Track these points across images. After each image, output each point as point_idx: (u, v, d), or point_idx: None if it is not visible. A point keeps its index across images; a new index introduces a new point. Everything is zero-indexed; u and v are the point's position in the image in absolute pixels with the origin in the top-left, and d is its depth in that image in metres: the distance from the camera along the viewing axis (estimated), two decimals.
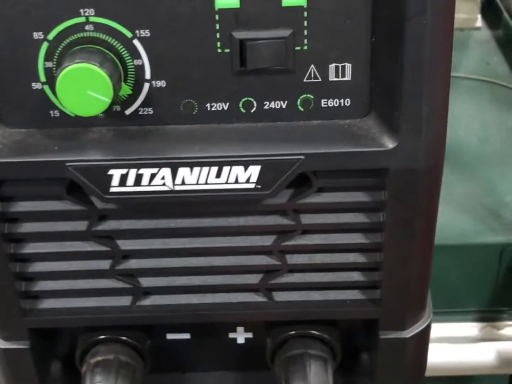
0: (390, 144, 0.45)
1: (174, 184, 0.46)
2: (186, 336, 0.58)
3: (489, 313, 0.81)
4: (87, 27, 0.43)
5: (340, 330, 0.56)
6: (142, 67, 0.44)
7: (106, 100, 0.42)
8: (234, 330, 0.58)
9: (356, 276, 0.52)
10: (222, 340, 0.59)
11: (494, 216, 0.79)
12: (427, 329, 0.55)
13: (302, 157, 0.45)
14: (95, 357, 0.54)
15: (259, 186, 0.46)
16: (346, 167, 0.46)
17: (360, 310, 0.53)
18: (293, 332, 0.55)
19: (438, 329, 0.79)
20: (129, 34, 0.43)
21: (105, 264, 0.51)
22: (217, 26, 0.43)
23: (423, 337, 0.56)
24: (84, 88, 0.41)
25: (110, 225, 0.49)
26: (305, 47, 0.44)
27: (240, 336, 0.59)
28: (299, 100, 0.46)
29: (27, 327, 0.53)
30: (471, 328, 0.81)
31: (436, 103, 0.44)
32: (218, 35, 0.44)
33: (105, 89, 0.41)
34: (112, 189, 0.46)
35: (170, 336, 0.58)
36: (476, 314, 0.81)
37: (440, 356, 0.79)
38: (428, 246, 0.51)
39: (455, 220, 0.78)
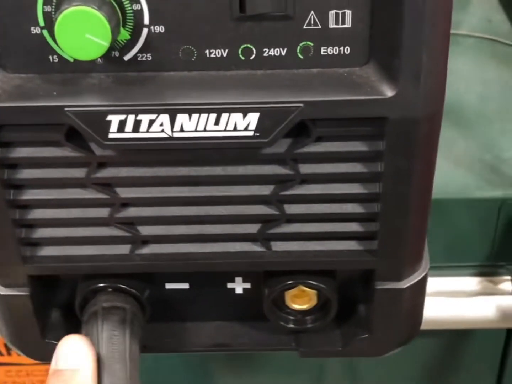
0: (389, 92, 0.45)
1: (172, 131, 0.46)
2: (185, 286, 0.59)
3: (487, 268, 0.81)
4: None
5: (336, 281, 0.56)
6: (141, 11, 0.44)
7: (105, 44, 0.42)
8: (233, 280, 0.59)
9: (353, 226, 0.52)
10: (220, 290, 0.59)
11: (493, 171, 0.79)
12: (423, 280, 0.56)
13: (301, 105, 0.45)
14: (101, 304, 0.55)
15: (257, 134, 0.46)
16: (345, 115, 0.46)
17: (357, 261, 0.53)
18: (290, 282, 0.56)
19: (436, 283, 0.80)
20: None
21: (104, 212, 0.51)
22: None
23: (420, 288, 0.56)
24: (82, 31, 0.41)
25: (109, 172, 0.49)
26: None
27: (239, 286, 0.59)
28: (298, 48, 0.45)
29: (27, 274, 0.53)
30: (469, 282, 0.81)
31: (436, 51, 0.44)
32: None
33: (103, 33, 0.41)
34: (111, 135, 0.46)
35: (169, 286, 0.59)
36: (474, 269, 0.81)
37: (437, 309, 0.80)
38: (426, 197, 0.51)
39: (454, 175, 0.78)
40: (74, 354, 0.49)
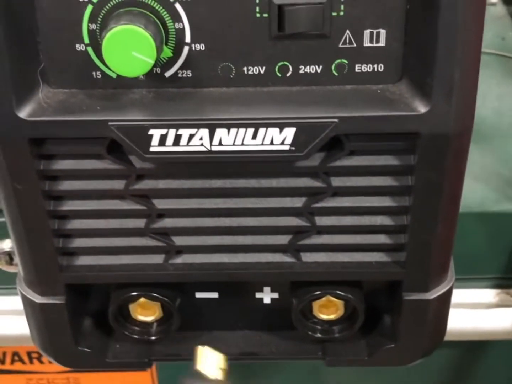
0: (422, 108, 0.46)
1: (211, 145, 0.47)
2: (214, 295, 0.60)
3: (504, 280, 0.82)
4: None
5: (363, 291, 0.58)
6: (182, 30, 0.46)
7: (150, 61, 0.43)
8: (261, 290, 0.60)
9: (382, 238, 0.54)
10: (248, 299, 0.60)
11: (510, 186, 0.80)
12: (449, 292, 0.57)
13: (336, 120, 0.47)
14: None
15: (293, 148, 0.48)
16: (378, 130, 0.47)
17: (385, 272, 0.54)
18: (318, 292, 0.57)
19: (454, 295, 0.81)
20: None
21: (140, 223, 0.53)
22: None
23: (445, 300, 0.57)
24: (129, 49, 0.43)
25: (147, 184, 0.51)
26: (341, 13, 0.45)
27: (267, 296, 0.60)
28: (333, 65, 0.47)
29: (64, 283, 0.55)
30: (486, 295, 0.82)
31: (468, 69, 0.46)
32: (257, 0, 0.45)
33: (149, 51, 0.43)
34: (152, 149, 0.47)
35: (199, 295, 0.60)
36: (491, 281, 0.83)
37: (455, 321, 0.81)
38: (453, 210, 0.52)
39: (472, 189, 0.79)
40: None
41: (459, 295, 0.82)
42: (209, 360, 0.56)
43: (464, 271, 0.83)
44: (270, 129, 0.47)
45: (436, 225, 0.52)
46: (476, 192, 0.80)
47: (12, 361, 0.92)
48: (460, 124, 0.47)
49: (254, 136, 0.47)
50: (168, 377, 0.92)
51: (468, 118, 0.47)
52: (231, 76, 0.47)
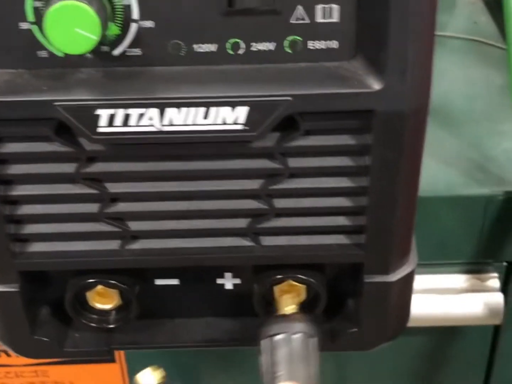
0: (376, 85, 0.45)
1: (161, 125, 0.46)
2: (175, 281, 0.59)
3: (475, 265, 0.82)
4: None
5: (325, 275, 0.57)
6: (130, 6, 0.44)
7: (94, 37, 0.42)
8: (222, 276, 0.59)
9: (341, 220, 0.53)
10: (210, 286, 0.59)
11: (480, 170, 0.79)
12: (411, 274, 0.56)
13: (289, 98, 0.46)
14: None
15: (246, 127, 0.47)
16: (333, 108, 0.46)
17: (346, 254, 0.54)
18: (279, 277, 0.56)
19: (424, 280, 0.80)
20: None
21: (93, 207, 0.51)
22: None
23: (407, 282, 0.57)
24: (72, 26, 0.41)
25: (98, 167, 0.50)
26: None
27: (228, 281, 0.59)
28: (286, 42, 0.46)
29: (17, 270, 0.53)
30: (457, 280, 0.82)
31: (422, 46, 0.45)
32: None
33: (92, 27, 0.42)
34: (100, 129, 0.46)
35: (159, 282, 0.59)
36: (461, 266, 0.82)
37: (426, 307, 0.81)
38: (413, 190, 0.52)
39: (442, 174, 0.79)
40: None
41: (429, 281, 0.82)
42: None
43: (434, 256, 0.82)
44: (222, 108, 0.46)
45: (395, 206, 0.51)
46: (445, 176, 0.79)
47: None
48: (415, 101, 0.46)
49: (205, 116, 0.46)
50: (138, 368, 0.91)
51: (423, 95, 0.47)
52: (182, 54, 0.46)
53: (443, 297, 0.82)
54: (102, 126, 0.46)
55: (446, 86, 0.93)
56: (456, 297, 0.82)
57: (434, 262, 0.82)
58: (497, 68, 0.98)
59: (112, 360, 0.89)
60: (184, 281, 0.59)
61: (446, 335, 0.88)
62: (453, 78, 0.97)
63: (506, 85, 0.90)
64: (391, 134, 0.47)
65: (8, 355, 0.91)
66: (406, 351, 0.89)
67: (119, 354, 0.88)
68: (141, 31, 0.45)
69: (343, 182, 0.51)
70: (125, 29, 0.45)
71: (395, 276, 0.55)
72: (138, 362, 0.90)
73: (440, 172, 0.79)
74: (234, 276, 0.59)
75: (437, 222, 0.79)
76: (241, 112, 0.46)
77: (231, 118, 0.46)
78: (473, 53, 1.03)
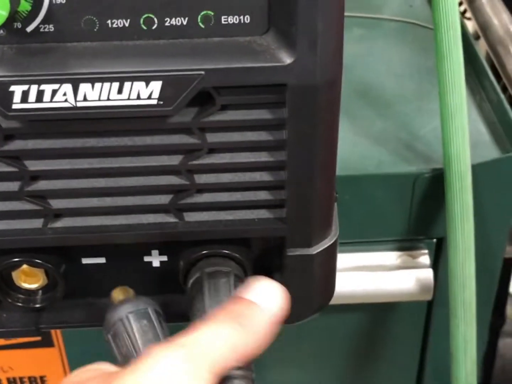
0: (287, 59, 0.46)
1: (76, 100, 0.46)
2: (102, 260, 0.59)
3: (405, 242, 0.84)
4: None
5: (251, 250, 0.58)
6: None
7: (3, 13, 0.42)
8: (149, 254, 0.60)
9: (262, 195, 0.53)
10: (137, 264, 0.60)
11: (408, 148, 0.81)
12: (333, 246, 0.57)
13: (202, 72, 0.46)
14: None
15: (161, 102, 0.47)
16: (246, 82, 0.47)
17: (268, 228, 0.54)
18: (204, 252, 0.57)
19: (355, 258, 0.82)
20: None
21: (13, 186, 0.51)
22: None
23: (330, 254, 0.58)
24: None
25: (16, 145, 0.50)
26: None
27: (155, 259, 0.60)
28: (199, 17, 0.47)
29: None
30: (388, 257, 0.84)
31: (331, 19, 0.46)
32: None
33: (2, 2, 0.42)
34: (15, 106, 0.46)
35: (85, 261, 0.59)
36: (392, 244, 0.84)
37: (359, 284, 0.82)
38: (330, 163, 0.53)
39: (371, 152, 0.80)
40: (267, 295, 0.47)
41: (361, 258, 0.84)
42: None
43: (365, 234, 0.84)
44: (136, 83, 0.46)
45: (313, 179, 0.52)
46: (375, 155, 0.81)
47: None
48: (327, 75, 0.47)
49: (119, 91, 0.46)
50: (77, 352, 0.91)
51: (334, 69, 0.48)
52: (95, 29, 0.46)
53: (375, 274, 0.83)
54: (17, 103, 0.46)
55: (378, 67, 0.95)
56: (388, 274, 0.84)
57: (365, 240, 0.83)
58: (430, 50, 1.00)
59: (50, 344, 0.89)
60: (111, 260, 0.60)
61: (380, 312, 0.90)
62: (386, 59, 0.99)
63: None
64: (305, 107, 0.48)
65: None
66: (341, 329, 0.91)
67: (57, 338, 0.88)
68: (53, 7, 0.45)
69: (262, 157, 0.51)
70: (37, 5, 0.45)
71: (317, 248, 0.56)
72: (76, 346, 0.90)
73: (369, 151, 0.81)
74: (161, 254, 0.60)
75: (367, 200, 0.81)
76: (155, 87, 0.46)
77: (145, 93, 0.47)
78: (407, 35, 1.05)
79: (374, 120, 0.85)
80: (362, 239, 0.83)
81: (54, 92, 0.46)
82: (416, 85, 0.92)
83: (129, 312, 0.53)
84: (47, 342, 0.88)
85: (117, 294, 0.55)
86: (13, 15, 0.43)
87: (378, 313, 0.91)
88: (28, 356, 0.91)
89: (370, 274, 0.83)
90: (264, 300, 0.47)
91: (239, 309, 0.46)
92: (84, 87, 0.46)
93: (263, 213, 0.54)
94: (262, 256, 0.59)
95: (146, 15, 0.46)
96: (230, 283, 0.55)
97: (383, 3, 1.12)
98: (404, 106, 0.88)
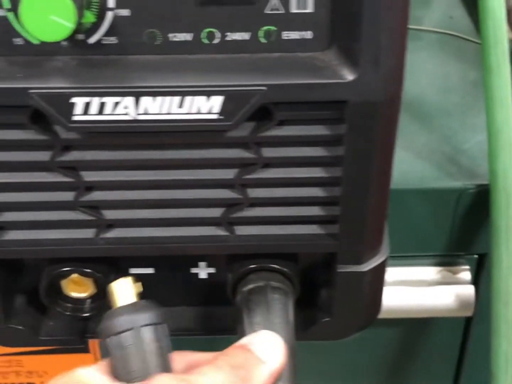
0: (349, 76, 0.46)
1: (136, 113, 0.46)
2: (149, 270, 0.60)
3: (446, 258, 0.83)
4: None
5: (299, 265, 0.57)
6: None
7: (69, 25, 0.42)
8: (196, 265, 0.60)
9: (315, 210, 0.53)
10: (184, 275, 0.60)
11: (452, 163, 0.80)
12: (383, 264, 0.57)
13: (263, 88, 0.46)
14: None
15: (221, 117, 0.47)
16: (306, 98, 0.47)
17: (319, 244, 0.54)
18: (253, 266, 0.56)
19: (396, 273, 0.81)
20: None
21: (68, 196, 0.52)
22: None
23: (379, 272, 0.57)
24: (47, 13, 0.42)
25: (73, 155, 0.50)
26: None
27: (202, 271, 0.60)
28: (261, 32, 0.46)
29: None
30: (428, 272, 0.83)
31: (394, 36, 0.46)
32: None
33: (68, 14, 0.42)
34: (75, 118, 0.46)
35: (133, 271, 0.59)
36: (433, 259, 0.83)
37: (397, 298, 0.81)
38: (385, 180, 0.52)
39: (414, 167, 0.80)
40: (269, 348, 0.47)
41: (401, 273, 0.83)
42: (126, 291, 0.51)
43: (406, 248, 0.83)
44: (197, 97, 0.46)
45: (368, 196, 0.52)
46: (418, 169, 0.80)
47: None
48: (388, 92, 0.47)
49: (180, 105, 0.46)
50: None
51: (396, 86, 0.47)
52: (157, 43, 0.46)
53: (415, 289, 0.82)
54: (78, 114, 0.46)
55: (420, 79, 0.94)
56: (428, 289, 0.83)
57: (406, 254, 0.83)
58: (472, 62, 0.99)
59: (86, 350, 0.89)
60: (159, 270, 0.60)
61: (418, 327, 0.89)
62: (428, 71, 0.98)
63: (479, 79, 0.91)
64: (364, 124, 0.48)
65: None
66: (378, 343, 0.90)
67: (93, 345, 0.88)
68: (117, 19, 0.46)
69: (316, 172, 0.51)
70: (101, 17, 0.45)
71: (368, 266, 0.55)
72: None
73: (412, 165, 0.80)
74: (209, 266, 0.60)
75: (409, 214, 0.80)
76: (216, 102, 0.46)
77: (206, 107, 0.46)
78: (448, 47, 1.04)
79: (417, 133, 0.84)
80: (403, 253, 0.82)
81: (116, 104, 0.46)
82: (459, 98, 0.91)
83: (144, 324, 0.48)
84: (83, 348, 0.88)
85: (121, 288, 0.49)
86: (77, 27, 0.43)
87: (415, 328, 0.90)
88: (63, 362, 0.91)
89: (410, 289, 0.82)
90: (267, 354, 0.47)
91: (241, 359, 0.46)
92: (146, 101, 0.46)
93: (314, 229, 0.54)
94: (310, 271, 0.59)
95: (208, 30, 0.46)
96: (279, 299, 0.55)
97: (423, 14, 1.11)
98: (447, 119, 0.87)
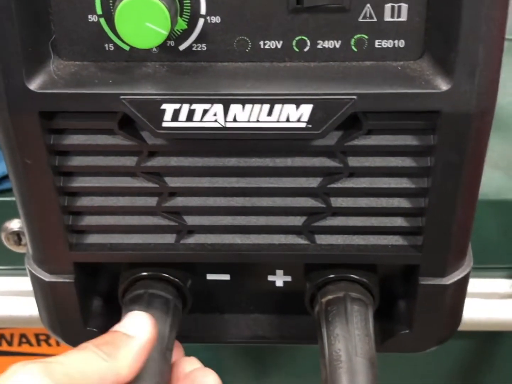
0: (443, 86, 0.45)
1: (225, 121, 0.46)
2: (226, 277, 0.59)
3: None
4: None
5: (378, 276, 0.57)
6: (198, 2, 0.44)
7: (164, 32, 0.42)
8: (274, 273, 0.59)
9: (399, 221, 0.52)
10: (261, 282, 0.59)
11: None
12: (466, 278, 0.56)
13: (354, 97, 0.45)
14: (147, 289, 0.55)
15: (310, 126, 0.46)
16: (398, 108, 0.46)
17: (401, 256, 0.53)
18: (332, 276, 0.56)
19: (469, 284, 0.80)
20: None
21: (152, 201, 0.52)
22: None
23: (462, 285, 0.56)
24: (142, 20, 0.42)
25: (159, 161, 0.50)
26: None
27: (279, 279, 0.59)
28: (353, 40, 0.46)
29: (73, 261, 0.54)
30: (502, 284, 0.81)
31: (492, 46, 0.44)
32: None
33: (163, 21, 0.42)
34: (165, 124, 0.46)
35: (210, 277, 0.59)
36: (506, 271, 0.81)
37: (471, 311, 0.80)
38: (473, 193, 0.51)
39: (491, 177, 0.78)
40: (136, 324, 0.49)
41: (473, 285, 0.81)
42: None
43: (479, 260, 0.81)
44: (286, 106, 0.46)
45: (455, 208, 0.50)
46: (494, 180, 0.78)
47: (20, 343, 0.92)
48: (483, 104, 0.46)
49: (269, 113, 0.46)
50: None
51: (490, 98, 0.46)
52: (247, 50, 0.46)
53: (487, 301, 0.81)
54: (167, 121, 0.46)
55: (504, 91, 0.92)
56: (500, 302, 0.81)
57: (479, 266, 0.81)
58: None
59: None
60: (235, 277, 0.59)
61: (490, 340, 0.87)
62: (502, 81, 0.96)
63: None
64: (456, 135, 0.47)
65: (48, 344, 0.92)
66: (450, 355, 0.89)
67: None
68: (207, 26, 0.45)
69: (403, 183, 0.50)
70: (192, 24, 0.45)
71: (451, 279, 0.54)
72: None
73: (489, 176, 0.78)
74: (286, 274, 0.59)
75: (484, 225, 0.78)
76: (305, 110, 0.46)
77: (295, 116, 0.46)
78: None
79: (494, 143, 0.82)
80: (475, 265, 0.80)
81: (205, 111, 0.46)
82: None
83: None
84: None
85: None
86: (169, 34, 0.43)
87: (483, 340, 0.88)
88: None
89: (483, 301, 0.80)
90: (134, 330, 0.48)
91: (107, 338, 0.47)
92: (235, 108, 0.46)
93: (397, 240, 0.53)
94: (390, 282, 0.58)
95: (299, 37, 0.46)
96: (359, 310, 0.54)
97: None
98: None
